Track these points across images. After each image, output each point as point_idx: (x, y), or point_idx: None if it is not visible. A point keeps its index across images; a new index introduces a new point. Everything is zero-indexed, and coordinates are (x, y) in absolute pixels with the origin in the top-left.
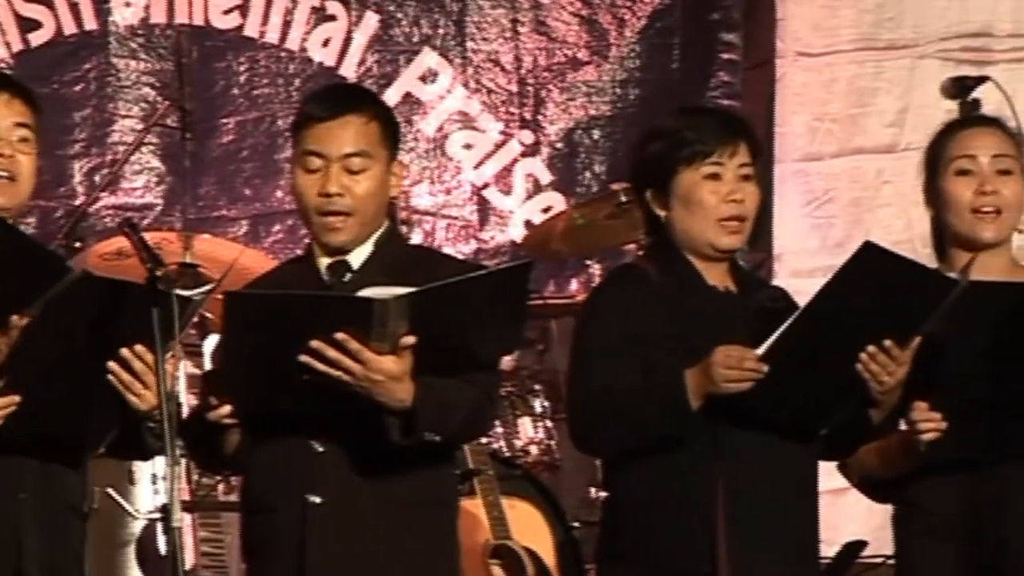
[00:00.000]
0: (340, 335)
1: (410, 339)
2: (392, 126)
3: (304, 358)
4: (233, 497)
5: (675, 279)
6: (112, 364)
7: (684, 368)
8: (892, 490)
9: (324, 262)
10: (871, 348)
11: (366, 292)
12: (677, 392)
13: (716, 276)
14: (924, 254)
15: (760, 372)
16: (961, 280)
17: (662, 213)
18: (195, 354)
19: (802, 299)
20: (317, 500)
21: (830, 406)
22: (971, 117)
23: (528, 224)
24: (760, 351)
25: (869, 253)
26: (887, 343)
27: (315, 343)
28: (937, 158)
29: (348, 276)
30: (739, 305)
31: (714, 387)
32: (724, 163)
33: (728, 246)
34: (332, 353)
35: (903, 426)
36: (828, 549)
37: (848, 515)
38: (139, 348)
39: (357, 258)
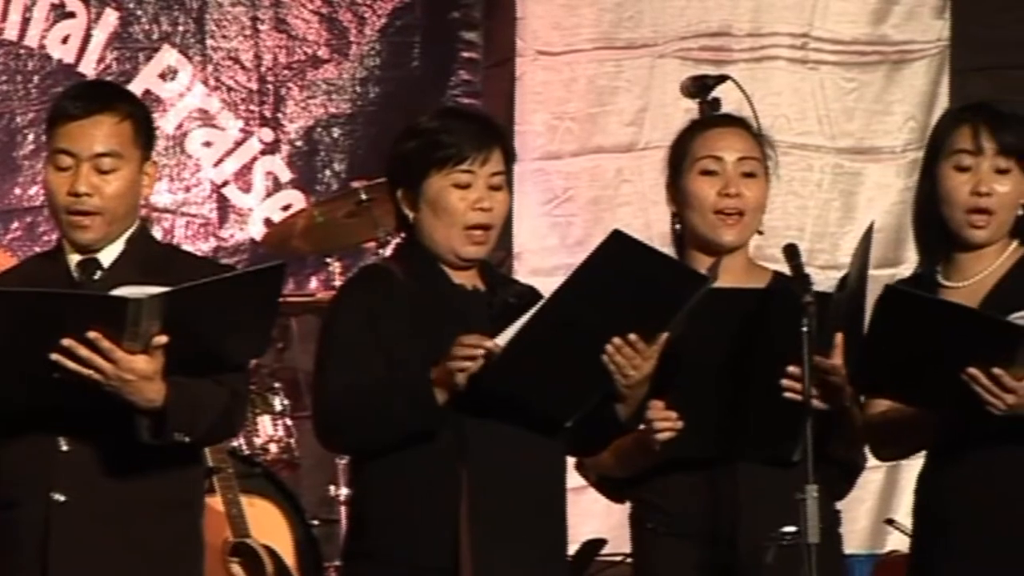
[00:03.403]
0: (92, 334)
1: (162, 339)
2: (146, 125)
3: (55, 356)
4: None
5: (421, 279)
6: None
7: (429, 364)
8: (630, 489)
9: (74, 259)
10: (616, 340)
11: (119, 291)
12: (423, 388)
13: (463, 276)
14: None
15: (487, 348)
16: (711, 278)
17: (411, 214)
18: None
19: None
20: (61, 498)
21: (578, 398)
22: (717, 116)
23: (268, 222)
24: (501, 339)
25: (617, 241)
26: (632, 336)
27: (67, 341)
28: (682, 156)
29: (99, 274)
30: (485, 302)
31: (452, 377)
32: (475, 171)
33: (472, 255)
34: (84, 352)
35: (640, 425)
36: (568, 547)
37: (587, 513)
38: None
39: (108, 256)
